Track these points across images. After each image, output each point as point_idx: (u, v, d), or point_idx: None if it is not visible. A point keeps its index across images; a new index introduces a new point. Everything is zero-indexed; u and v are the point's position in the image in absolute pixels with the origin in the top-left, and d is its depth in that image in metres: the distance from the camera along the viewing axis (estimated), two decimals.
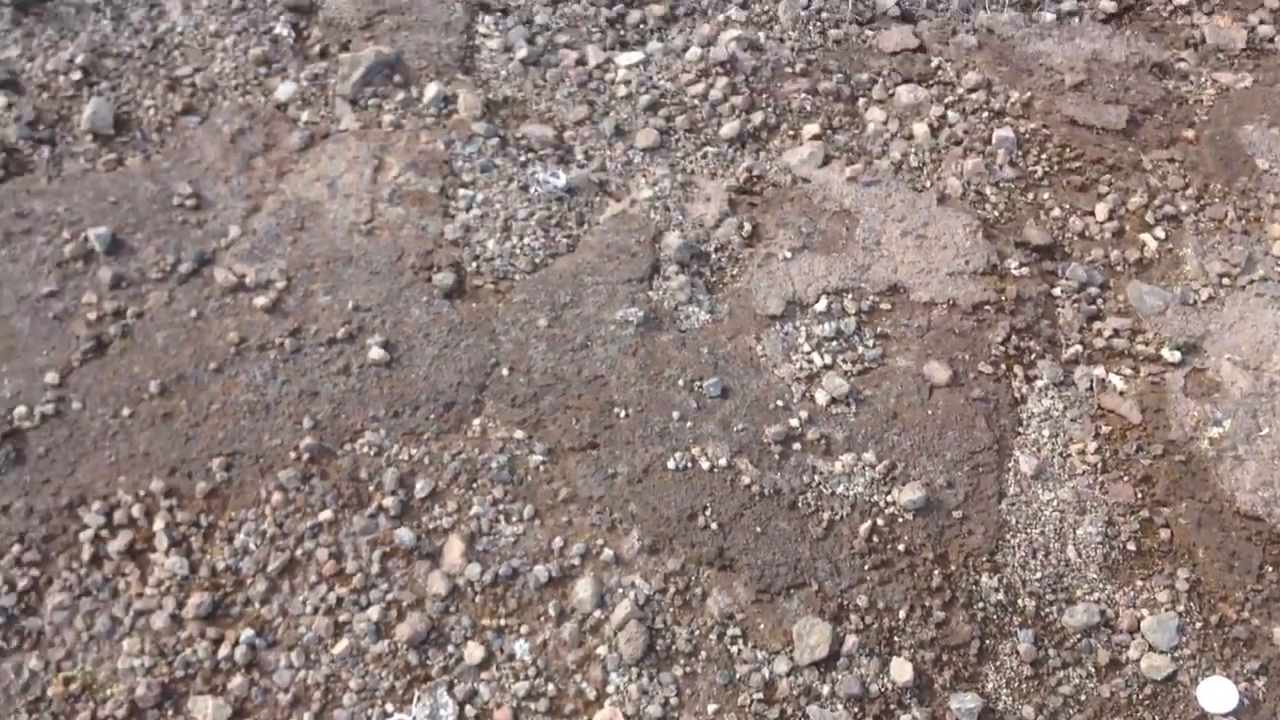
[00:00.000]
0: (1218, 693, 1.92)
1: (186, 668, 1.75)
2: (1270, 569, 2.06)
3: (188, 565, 1.84)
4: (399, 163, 2.52)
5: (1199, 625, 1.99)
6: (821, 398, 2.21)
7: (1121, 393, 2.30)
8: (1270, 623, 2.00)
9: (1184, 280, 2.52)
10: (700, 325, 2.31)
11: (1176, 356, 2.38)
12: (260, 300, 2.20)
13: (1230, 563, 2.05)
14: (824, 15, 3.07)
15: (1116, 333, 2.43)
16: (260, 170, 2.45)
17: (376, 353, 2.12)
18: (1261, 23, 3.28)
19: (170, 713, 1.71)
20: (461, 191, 2.50)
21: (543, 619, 1.89)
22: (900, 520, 2.05)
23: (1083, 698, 1.90)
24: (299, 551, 1.88)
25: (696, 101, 2.83)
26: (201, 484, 1.92)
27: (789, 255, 2.47)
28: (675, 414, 2.14)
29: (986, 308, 2.41)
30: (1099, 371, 2.34)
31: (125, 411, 2.00)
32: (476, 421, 2.08)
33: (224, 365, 2.09)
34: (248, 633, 1.79)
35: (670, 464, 2.07)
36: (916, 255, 2.49)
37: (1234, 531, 2.09)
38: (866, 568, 1.99)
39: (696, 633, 1.89)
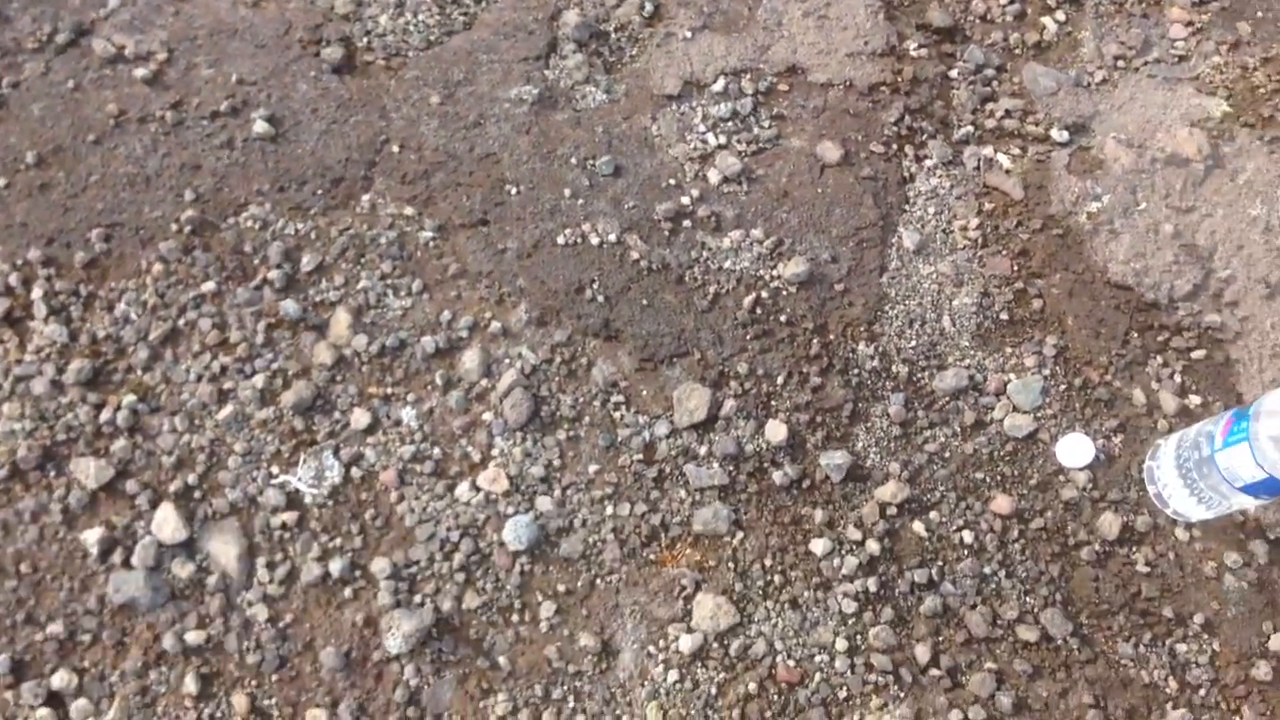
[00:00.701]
0: (1075, 448, 1.93)
1: (68, 431, 1.69)
2: (1135, 335, 2.05)
3: (67, 333, 1.75)
4: None
5: (1063, 388, 1.99)
6: (714, 177, 2.13)
7: (1007, 171, 2.24)
8: (1131, 385, 2.01)
9: (1080, 63, 2.43)
10: (596, 105, 2.20)
11: (1064, 136, 2.31)
12: (140, 72, 2.05)
13: (1097, 329, 2.04)
14: None
15: (1008, 114, 2.35)
16: None
17: (261, 126, 2.00)
18: None
19: (52, 474, 1.66)
20: None
21: (429, 388, 1.84)
22: (784, 293, 2.01)
23: (947, 454, 1.90)
24: (181, 321, 1.80)
25: None
26: (80, 254, 1.83)
27: (689, 35, 2.34)
28: (567, 191, 2.05)
29: (882, 89, 2.31)
30: (987, 151, 2.27)
31: (1, 182, 1.87)
32: (365, 198, 1.98)
33: (102, 137, 1.96)
34: (129, 398, 1.73)
35: (560, 240, 1.99)
36: (817, 36, 2.37)
37: (1104, 300, 2.07)
38: (748, 337, 1.95)
39: (580, 400, 1.86)
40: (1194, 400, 1.99)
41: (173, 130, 1.98)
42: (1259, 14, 2.57)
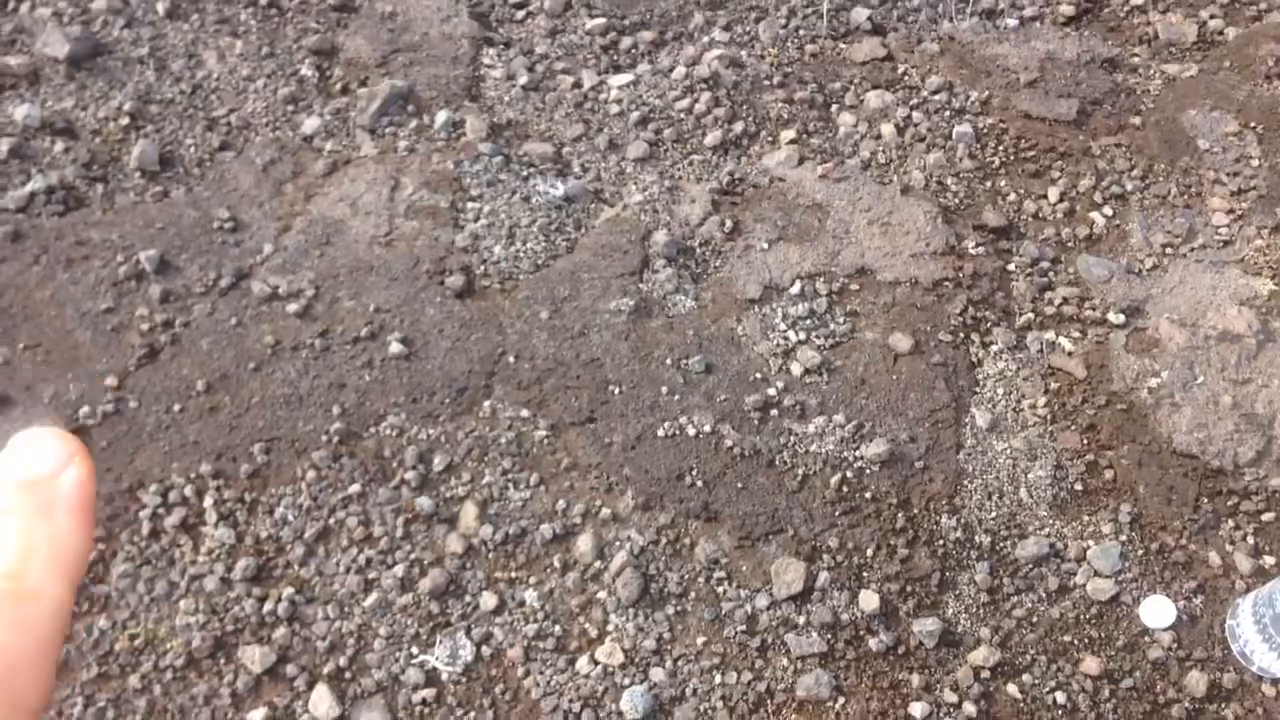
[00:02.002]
0: (1157, 610, 2.07)
1: (235, 622, 1.95)
2: (1205, 500, 2.21)
3: (234, 535, 2.04)
4: (413, 182, 2.73)
5: (1140, 552, 2.14)
6: (796, 369, 2.38)
7: (1069, 353, 2.46)
8: (1206, 547, 2.15)
9: (1129, 252, 2.68)
10: (686, 311, 2.50)
11: (1120, 319, 2.54)
12: (292, 307, 2.41)
13: (1168, 496, 2.21)
14: (801, 32, 3.27)
15: (1066, 300, 2.59)
16: (289, 195, 2.67)
17: (396, 348, 2.32)
18: (1212, 17, 3.43)
19: (223, 661, 1.91)
20: (470, 204, 2.70)
21: (549, 570, 2.07)
22: (867, 472, 2.22)
23: (1034, 619, 2.06)
24: (332, 520, 2.08)
25: (683, 115, 3.02)
26: (245, 466, 2.13)
27: (765, 246, 2.65)
28: (664, 389, 2.32)
29: (945, 284, 2.58)
30: (1049, 335, 2.50)
31: (176, 407, 2.21)
32: (486, 404, 2.28)
33: (261, 364, 2.30)
34: (288, 591, 1.99)
35: (660, 432, 2.25)
36: (882, 241, 2.67)
37: (1171, 469, 2.24)
38: (837, 514, 2.16)
39: (686, 576, 2.07)
40: (1268, 560, 2.13)
41: (321, 355, 2.32)
42: None
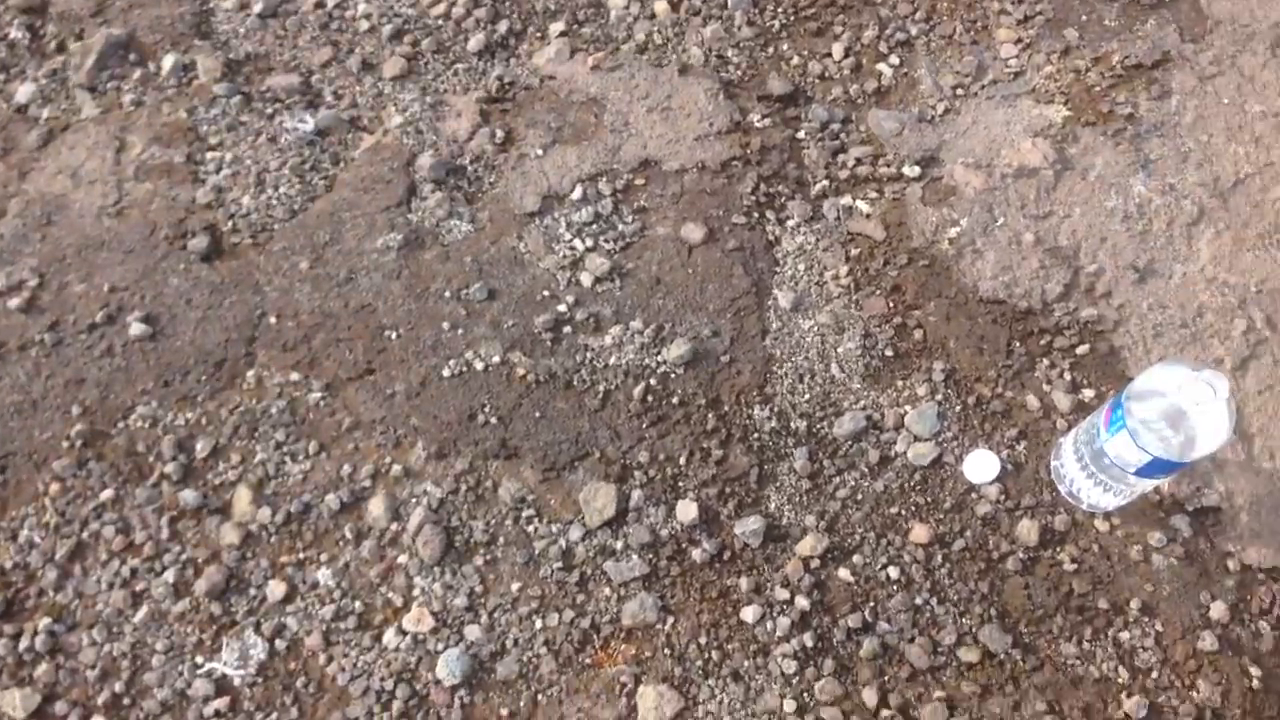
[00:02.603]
0: (981, 464, 2.02)
1: None
2: (1017, 344, 2.16)
3: None
4: (141, 140, 2.47)
5: (958, 409, 2.08)
6: (586, 279, 2.24)
7: (867, 215, 2.37)
8: (1023, 392, 2.11)
9: (920, 100, 2.59)
10: (463, 237, 2.33)
11: (916, 171, 2.45)
12: (14, 302, 2.16)
13: (980, 346, 2.15)
14: None
15: (859, 161, 2.49)
16: (1, 176, 2.38)
17: (138, 329, 2.10)
18: None
19: None
20: (209, 155, 2.46)
21: (341, 544, 1.92)
22: (672, 376, 2.11)
23: (859, 497, 1.98)
24: (85, 534, 1.88)
25: (440, 22, 2.81)
26: None
27: (541, 152, 2.48)
28: (445, 325, 2.16)
29: (735, 163, 2.45)
30: (845, 200, 2.41)
31: None
32: (250, 374, 2.08)
33: None
34: (45, 621, 1.79)
35: (445, 372, 2.09)
36: (664, 128, 2.52)
37: (980, 318, 2.18)
38: (644, 426, 2.04)
39: (492, 522, 1.94)
40: (1087, 394, 2.09)
41: (52, 351, 2.09)
42: (1083, 18, 2.75)
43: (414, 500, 1.93)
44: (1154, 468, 1.71)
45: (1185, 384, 1.63)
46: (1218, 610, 1.82)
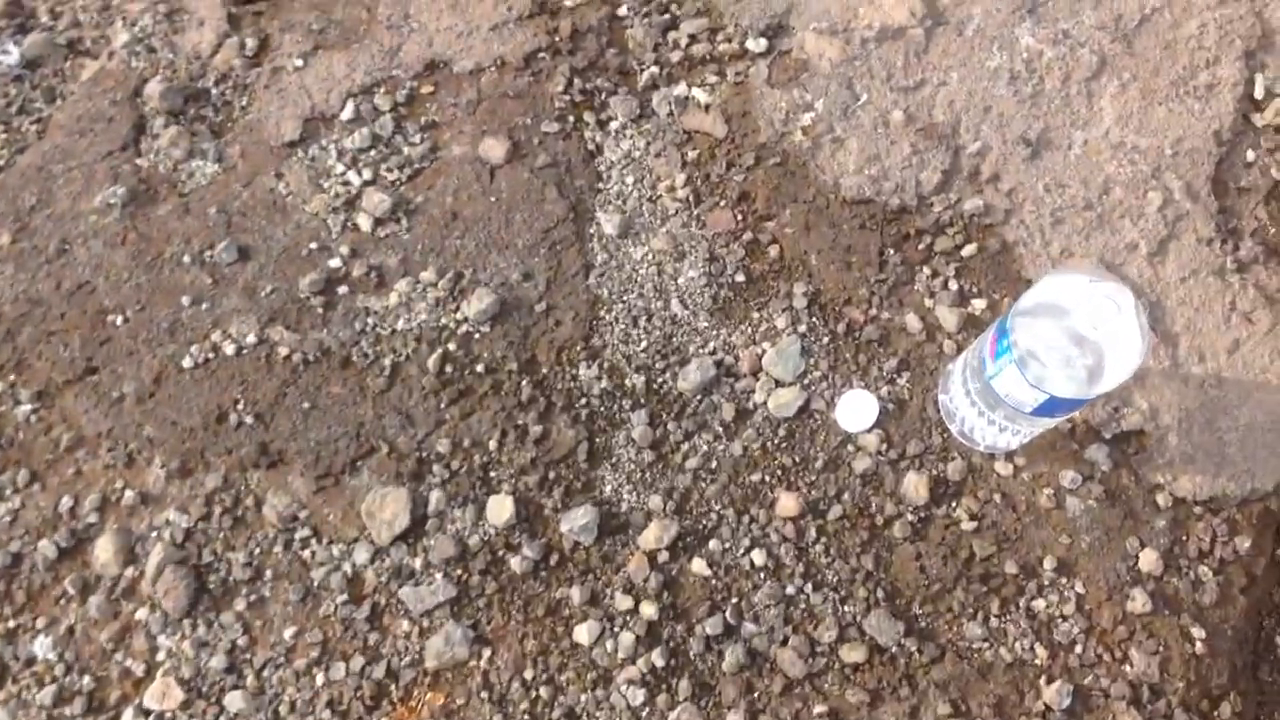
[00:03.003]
0: (856, 407, 1.65)
1: None
2: (891, 252, 1.77)
3: None
4: None
5: (826, 340, 1.71)
6: (365, 222, 1.80)
7: (705, 106, 1.94)
8: (901, 311, 1.73)
9: None
10: (207, 181, 1.86)
11: (762, 45, 2.02)
12: None
13: (847, 260, 1.76)
14: None
15: (694, 38, 2.06)
16: None
17: None
18: None
19: None
20: None
21: (63, 602, 1.50)
22: (476, 337, 1.69)
23: (713, 465, 1.61)
24: None
25: None
26: None
27: (301, 63, 2.00)
28: (185, 300, 1.71)
29: (541, 55, 2.00)
30: (680, 90, 1.98)
31: None
32: None
33: None
34: None
35: (186, 362, 1.66)
36: (453, 18, 2.05)
37: (845, 224, 1.79)
38: (443, 405, 1.64)
39: (255, 551, 1.53)
40: (978, 305, 1.73)
41: None
42: None
43: (153, 534, 1.52)
44: (1053, 406, 1.36)
45: (1081, 301, 1.26)
46: (1149, 560, 1.49)
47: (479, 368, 1.69)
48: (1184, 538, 1.61)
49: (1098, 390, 1.32)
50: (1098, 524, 1.61)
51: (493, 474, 1.62)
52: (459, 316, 1.73)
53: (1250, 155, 1.93)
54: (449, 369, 1.69)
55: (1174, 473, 1.65)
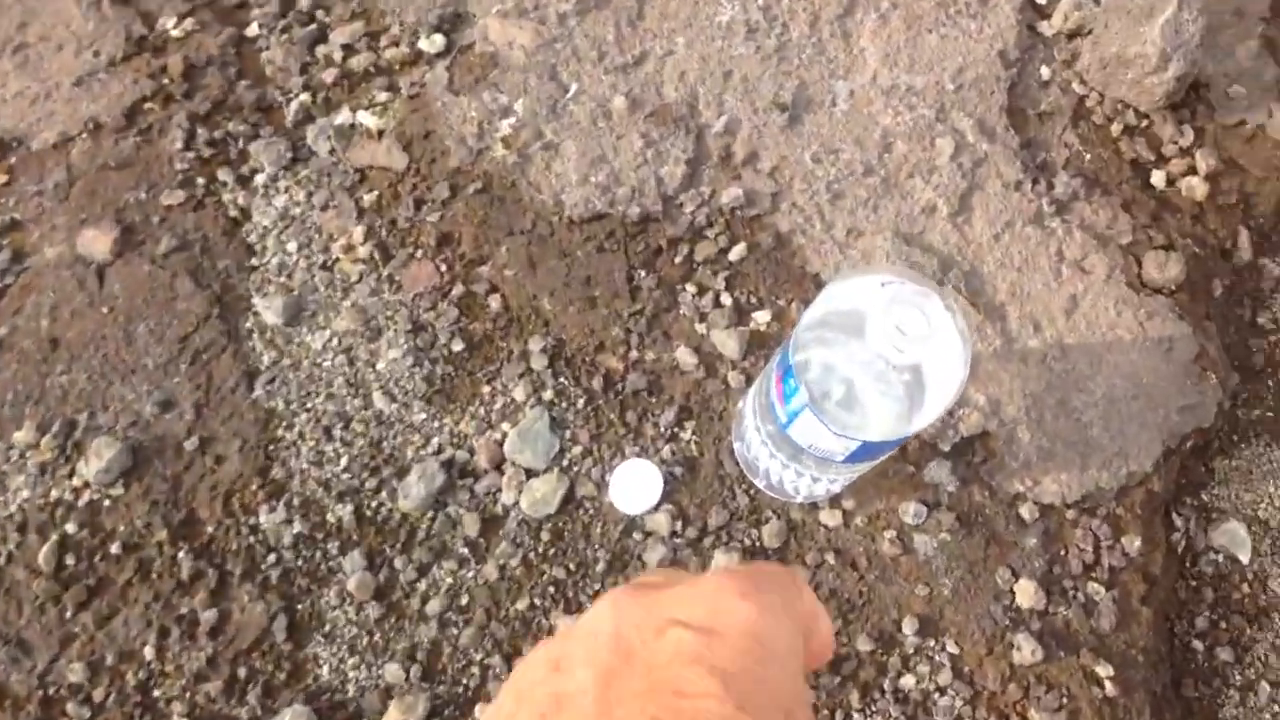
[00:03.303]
0: (634, 483, 1.32)
1: None
2: (642, 274, 1.42)
3: None
4: None
5: (581, 403, 1.35)
6: None
7: (378, 133, 1.53)
8: (669, 346, 1.38)
9: None
10: None
11: (438, 43, 1.63)
12: None
13: (589, 295, 1.39)
14: None
15: (350, 49, 1.66)
16: None
17: None
18: None
19: None
20: None
21: None
22: (105, 505, 1.31)
23: (465, 601, 1.31)
24: None
25: None
26: None
27: None
28: None
29: (148, 107, 1.58)
30: (342, 117, 1.56)
31: None
32: None
33: None
34: None
35: None
36: (22, 80, 1.61)
37: (578, 251, 1.42)
38: (69, 614, 1.30)
39: None
40: (761, 318, 1.41)
41: None
42: None
43: None
44: (870, 450, 1.01)
45: (876, 315, 0.90)
46: (1027, 593, 1.21)
47: (114, 548, 1.25)
48: (1062, 553, 1.32)
49: (919, 425, 0.97)
50: (957, 561, 1.30)
51: (157, 693, 1.19)
52: (76, 483, 1.29)
53: (1045, 72, 1.66)
54: (70, 560, 1.24)
55: (1034, 475, 1.36)
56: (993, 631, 1.36)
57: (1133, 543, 1.45)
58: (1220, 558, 1.56)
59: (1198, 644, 1.49)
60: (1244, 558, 1.55)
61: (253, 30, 1.79)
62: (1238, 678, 1.49)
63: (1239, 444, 1.63)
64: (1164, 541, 1.52)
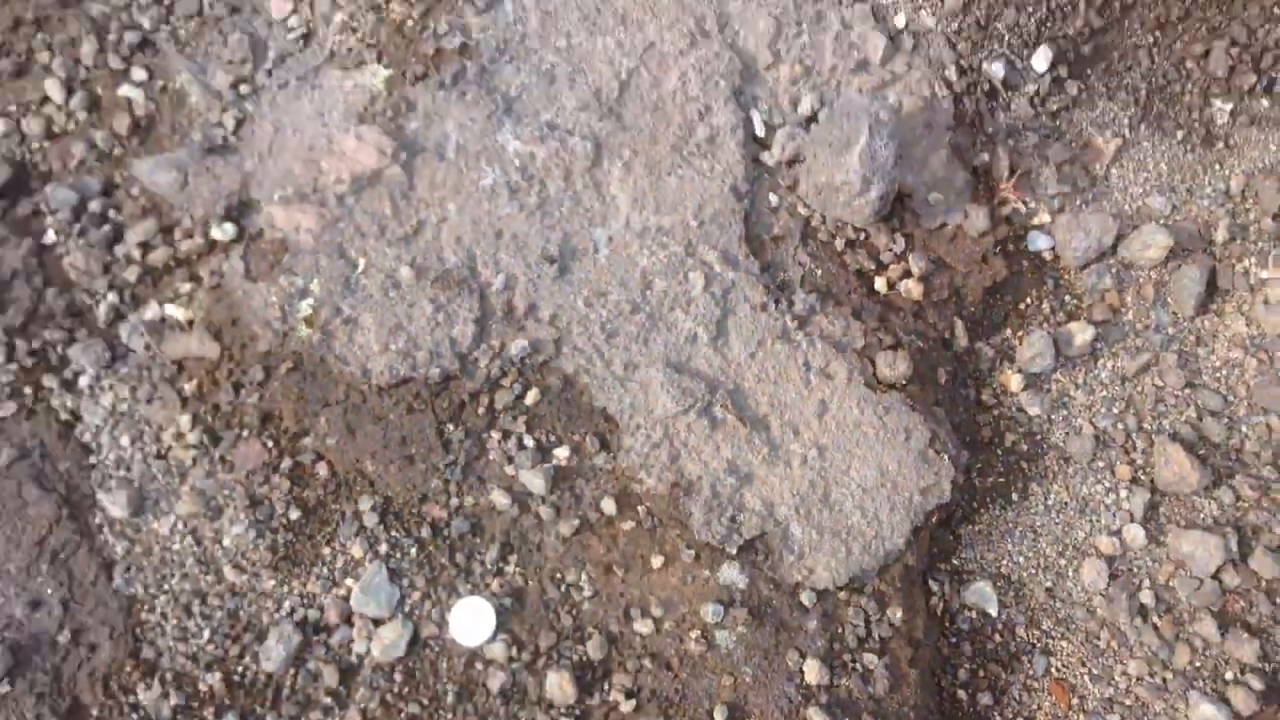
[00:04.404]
0: (470, 619, 1.76)
1: None
2: (451, 427, 1.91)
3: None
4: None
5: (414, 552, 1.83)
6: None
7: (188, 323, 1.98)
8: (484, 490, 1.88)
9: (198, 119, 2.20)
10: None
11: (229, 230, 2.08)
12: None
13: (406, 453, 1.88)
14: None
15: (148, 245, 2.09)
16: None
17: None
18: None
19: None
20: None
21: None
22: None
23: None
24: None
25: None
26: None
27: None
28: None
29: None
30: (151, 312, 1.99)
31: None
32: None
33: None
34: None
35: None
36: None
37: (390, 414, 1.90)
38: None
39: None
40: (561, 454, 1.92)
41: None
42: None
43: None
44: None
45: None
46: (813, 670, 1.73)
47: None
48: (839, 630, 1.84)
49: None
50: (754, 650, 1.81)
51: None
52: None
53: (773, 199, 2.22)
54: None
55: (808, 564, 1.89)
56: (788, 709, 1.88)
57: (896, 614, 2.01)
58: (974, 614, 2.14)
59: (962, 693, 2.06)
60: (993, 611, 2.14)
61: (50, 237, 2.18)
62: (998, 718, 2.08)
63: (979, 510, 2.22)
64: (924, 608, 2.09)
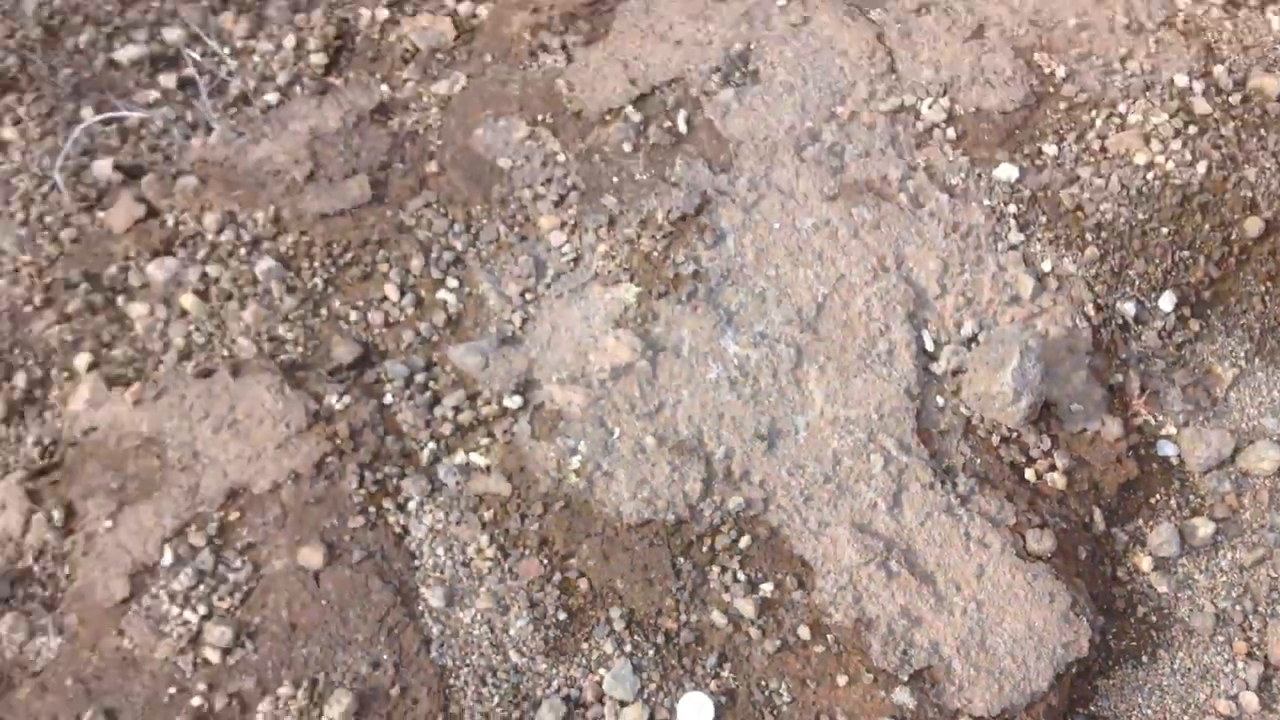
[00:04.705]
0: (694, 709, 2.36)
1: None
2: (682, 560, 2.54)
3: None
4: None
5: (651, 653, 2.44)
6: (214, 655, 2.41)
7: (487, 469, 2.68)
8: (706, 611, 2.49)
9: (494, 317, 2.93)
10: (55, 654, 2.42)
11: (517, 400, 2.81)
12: None
13: (647, 577, 2.52)
14: (47, 219, 3.12)
15: (458, 408, 2.81)
16: None
17: None
18: (459, 1, 3.70)
19: None
20: None
21: None
22: None
23: None
24: None
25: None
26: None
27: (110, 523, 2.60)
28: None
29: (329, 460, 2.71)
30: (459, 458, 2.71)
31: None
32: None
33: None
34: None
35: None
36: (239, 445, 2.73)
37: (636, 546, 2.56)
38: None
39: None
40: (767, 589, 2.52)
41: None
42: (614, 180, 3.23)
43: None
44: None
45: None
46: None
47: None
48: None
49: None
50: None
51: None
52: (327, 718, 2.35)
53: (940, 401, 2.86)
54: None
55: (967, 695, 2.47)
56: None
57: None
58: None
59: None
60: None
61: (388, 399, 2.97)
62: None
63: (1113, 667, 2.75)
64: None
